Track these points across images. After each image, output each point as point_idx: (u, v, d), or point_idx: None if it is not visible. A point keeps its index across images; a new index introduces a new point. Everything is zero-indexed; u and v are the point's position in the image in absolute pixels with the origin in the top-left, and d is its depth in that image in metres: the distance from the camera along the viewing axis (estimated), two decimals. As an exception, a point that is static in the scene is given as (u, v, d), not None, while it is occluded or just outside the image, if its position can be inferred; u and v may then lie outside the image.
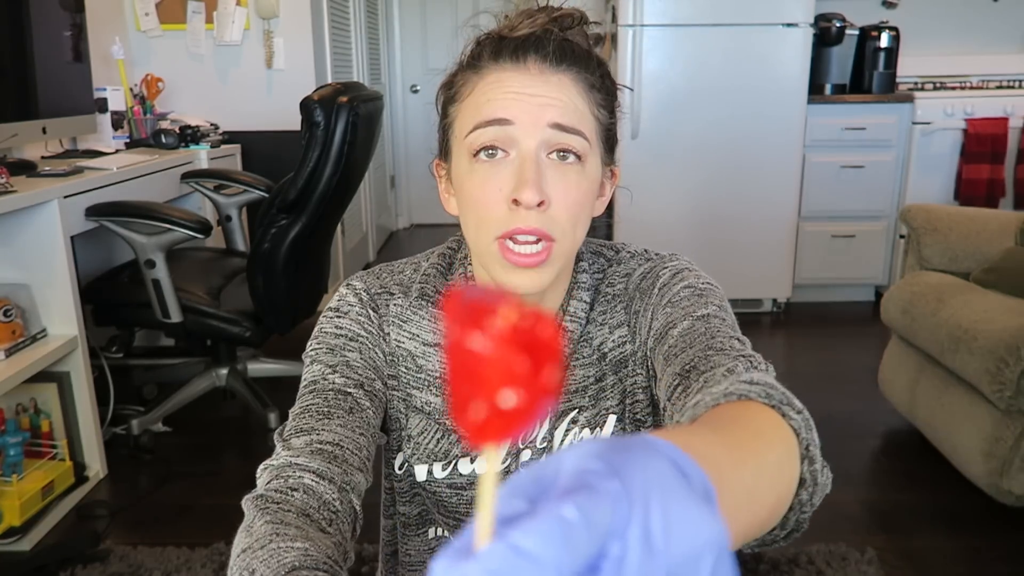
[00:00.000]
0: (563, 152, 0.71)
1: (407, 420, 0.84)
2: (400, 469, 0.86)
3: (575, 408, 0.82)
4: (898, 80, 3.97)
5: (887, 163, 3.71)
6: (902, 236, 3.50)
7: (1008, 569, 1.86)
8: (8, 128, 2.28)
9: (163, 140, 2.94)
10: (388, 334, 0.83)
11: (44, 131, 2.48)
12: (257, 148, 3.44)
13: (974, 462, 2.01)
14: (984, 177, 3.62)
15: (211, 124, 3.29)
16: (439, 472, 0.83)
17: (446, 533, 0.89)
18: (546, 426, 0.82)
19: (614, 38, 3.56)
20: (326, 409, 0.74)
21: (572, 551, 0.23)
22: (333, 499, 0.68)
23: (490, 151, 0.71)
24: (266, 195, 2.54)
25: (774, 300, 3.81)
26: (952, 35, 4.12)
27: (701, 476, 0.30)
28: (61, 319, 2.12)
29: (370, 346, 0.81)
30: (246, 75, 3.50)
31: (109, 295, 2.43)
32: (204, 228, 2.23)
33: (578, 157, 0.72)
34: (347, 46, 4.15)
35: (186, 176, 2.82)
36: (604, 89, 0.76)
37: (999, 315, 1.99)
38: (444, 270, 0.85)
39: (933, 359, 2.23)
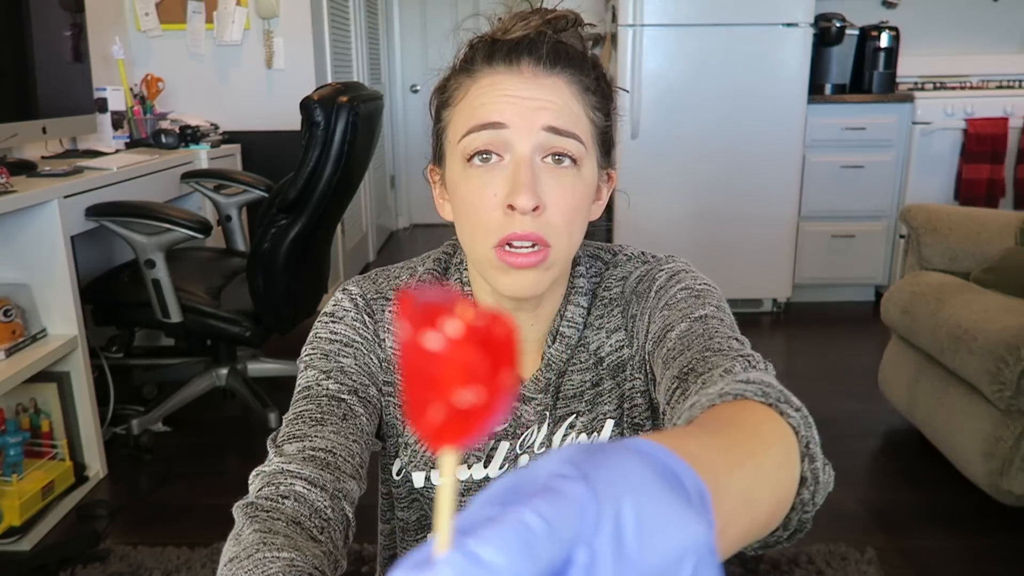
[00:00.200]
0: (558, 156, 0.70)
1: (404, 427, 0.83)
2: (398, 475, 0.86)
3: (572, 413, 0.81)
4: (898, 80, 3.97)
5: (887, 163, 3.71)
6: (902, 236, 3.50)
7: (1008, 569, 1.86)
8: (8, 128, 2.28)
9: (163, 140, 2.94)
10: (384, 340, 0.82)
11: (44, 131, 2.48)
12: (257, 148, 3.44)
13: (974, 462, 2.00)
14: (984, 177, 3.62)
15: (211, 124, 3.29)
16: (436, 479, 0.83)
17: None
18: (544, 431, 0.82)
19: (614, 38, 3.56)
20: (319, 415, 0.73)
21: (532, 559, 0.22)
22: (325, 507, 0.67)
23: (484, 156, 0.70)
24: (266, 195, 2.54)
25: (774, 300, 3.81)
26: (952, 35, 4.12)
27: (694, 479, 0.30)
28: (61, 319, 2.12)
29: (365, 352, 0.80)
30: (246, 75, 3.50)
31: (109, 295, 2.43)
32: (204, 228, 2.23)
33: (573, 161, 0.71)
34: (347, 46, 4.15)
35: (186, 176, 2.82)
36: (599, 91, 0.75)
37: (999, 315, 1.99)
38: (440, 275, 0.84)
39: (933, 359, 2.23)
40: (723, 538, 0.37)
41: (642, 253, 0.85)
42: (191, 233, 2.21)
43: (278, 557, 0.59)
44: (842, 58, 3.78)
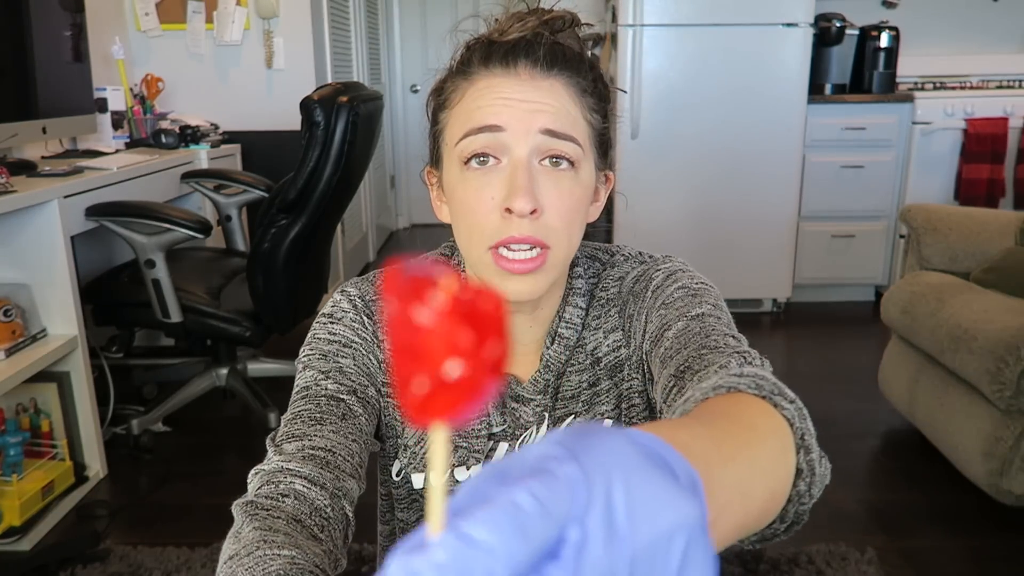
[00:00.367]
0: (555, 158, 0.70)
1: (403, 429, 0.83)
2: (398, 476, 0.86)
3: (571, 414, 0.81)
4: (898, 80, 3.97)
5: (887, 163, 3.71)
6: (902, 236, 3.50)
7: (1008, 569, 1.86)
8: (8, 128, 2.28)
9: (163, 140, 2.94)
10: (383, 341, 0.81)
11: (44, 131, 2.48)
12: (257, 148, 3.44)
13: (974, 462, 2.00)
14: (984, 177, 3.62)
15: (211, 124, 3.29)
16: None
17: None
18: (543, 432, 0.81)
19: (614, 38, 3.56)
20: (318, 415, 0.73)
21: (525, 539, 0.22)
22: (324, 505, 0.67)
23: (481, 158, 0.70)
24: (266, 195, 2.54)
25: (774, 300, 3.81)
26: (952, 35, 4.12)
27: (686, 467, 0.29)
28: (61, 319, 2.12)
29: (364, 352, 0.80)
30: (246, 75, 3.50)
31: (109, 295, 2.43)
32: (204, 228, 2.23)
33: (571, 163, 0.71)
34: (347, 46, 4.15)
35: (186, 176, 2.82)
36: (596, 93, 0.75)
37: (999, 315, 1.99)
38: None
39: (933, 359, 2.23)
40: (717, 529, 0.37)
41: (639, 253, 0.85)
42: (191, 233, 2.21)
43: (279, 554, 0.59)
44: (842, 58, 3.78)
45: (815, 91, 3.63)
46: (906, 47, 3.96)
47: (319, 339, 0.80)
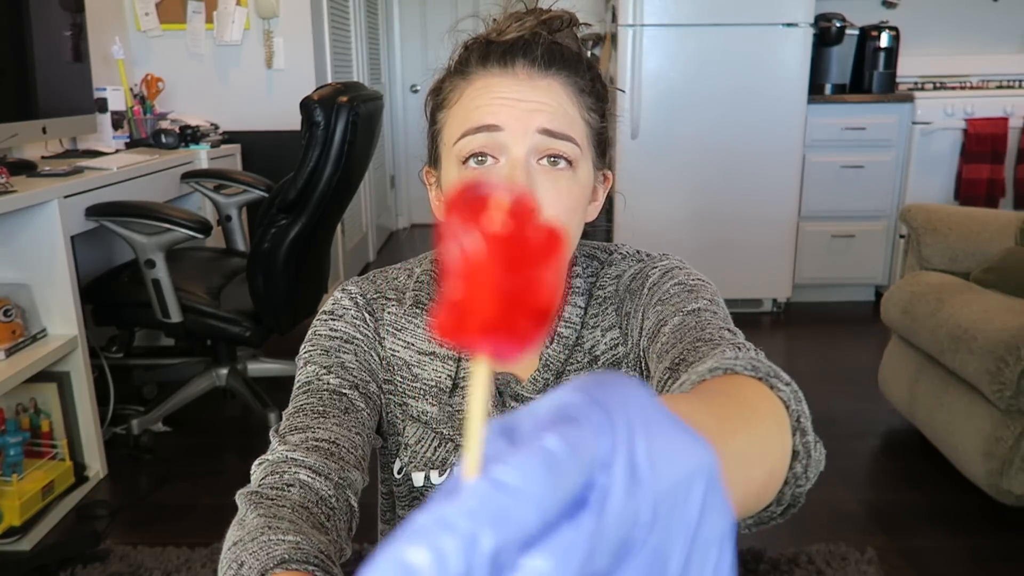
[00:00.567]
0: (553, 158, 0.71)
1: (404, 428, 0.83)
2: (399, 474, 0.86)
3: None
4: (898, 80, 3.97)
5: (887, 163, 3.71)
6: (902, 236, 3.50)
7: (1008, 569, 1.86)
8: (8, 128, 2.28)
9: (163, 140, 2.94)
10: (384, 339, 0.82)
11: (44, 131, 2.48)
12: (257, 148, 3.44)
13: (974, 462, 2.00)
14: (984, 177, 3.62)
15: (211, 124, 3.29)
16: (436, 479, 0.83)
17: None
18: None
19: (614, 38, 3.56)
20: (321, 408, 0.73)
21: (556, 484, 0.22)
22: (329, 495, 0.67)
23: (479, 158, 0.71)
24: (266, 195, 2.54)
25: (774, 300, 3.81)
26: (952, 35, 4.12)
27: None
28: (61, 319, 2.12)
29: (366, 349, 0.80)
30: (246, 75, 3.50)
31: (109, 295, 2.43)
32: (204, 228, 2.23)
33: (569, 163, 0.71)
34: (347, 46, 4.15)
35: (186, 176, 2.82)
36: (594, 93, 0.75)
37: (999, 315, 1.99)
38: (437, 276, 0.84)
39: (933, 359, 2.23)
40: None
41: (637, 252, 0.85)
42: (191, 233, 2.21)
43: (283, 540, 0.59)
44: (842, 58, 3.78)
45: (815, 91, 3.63)
46: (906, 47, 3.96)
47: (320, 335, 0.80)
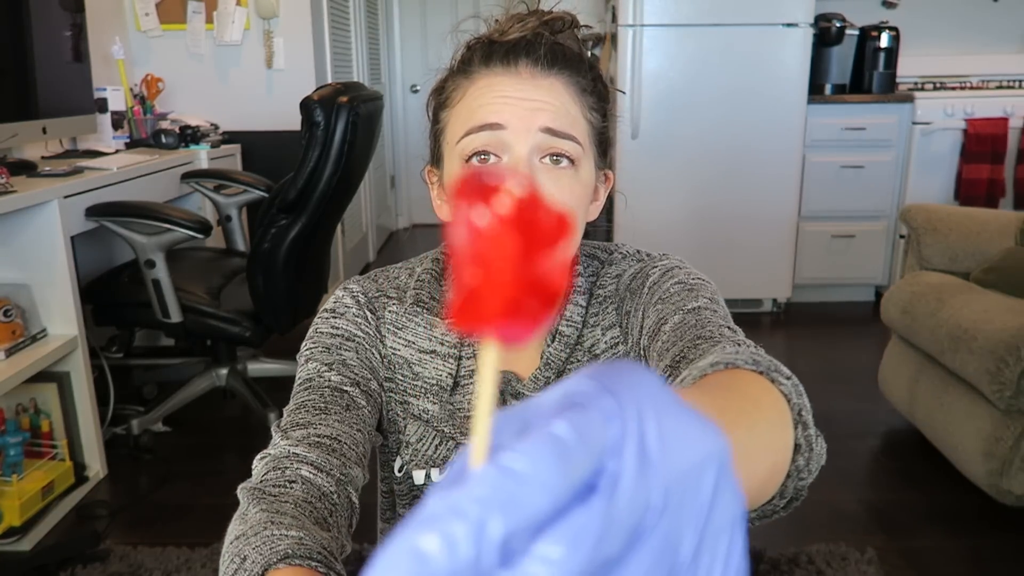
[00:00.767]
0: (556, 156, 0.71)
1: (405, 426, 0.84)
2: (400, 472, 0.86)
3: None
4: (898, 80, 3.97)
5: (887, 163, 3.71)
6: (902, 236, 3.50)
7: (1008, 569, 1.86)
8: (8, 128, 2.28)
9: (163, 140, 2.94)
10: (385, 337, 0.82)
11: (44, 131, 2.48)
12: (257, 148, 3.44)
13: (974, 462, 2.01)
14: (984, 177, 3.62)
15: (211, 124, 3.29)
16: (437, 477, 0.83)
17: None
18: None
19: (614, 38, 3.56)
20: (322, 405, 0.74)
21: (566, 470, 0.22)
22: (331, 491, 0.67)
23: (483, 157, 0.71)
24: (266, 195, 2.54)
25: (774, 300, 3.81)
26: (952, 35, 4.12)
27: None
28: (61, 319, 2.12)
29: (367, 347, 0.80)
30: (246, 75, 3.50)
31: (109, 295, 2.43)
32: (204, 228, 2.23)
33: (571, 161, 0.72)
34: (347, 46, 4.15)
35: (186, 176, 2.82)
36: (596, 92, 0.76)
37: (999, 315, 1.99)
38: (437, 275, 0.85)
39: (933, 359, 2.23)
40: None
41: (637, 251, 0.86)
42: (191, 233, 2.22)
43: (286, 535, 0.59)
44: (842, 58, 3.78)
45: (815, 91, 3.63)
46: (906, 47, 3.96)
47: (322, 333, 0.80)
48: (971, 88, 4.03)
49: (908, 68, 4.04)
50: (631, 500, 0.23)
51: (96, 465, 2.23)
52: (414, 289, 0.83)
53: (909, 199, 3.70)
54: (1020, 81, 4.09)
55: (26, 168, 2.29)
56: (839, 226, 3.78)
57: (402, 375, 0.83)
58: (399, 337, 0.82)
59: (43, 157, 2.70)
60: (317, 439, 0.70)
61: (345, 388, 0.76)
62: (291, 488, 0.66)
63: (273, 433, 0.73)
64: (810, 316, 3.78)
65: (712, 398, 0.46)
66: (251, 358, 2.73)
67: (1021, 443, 1.90)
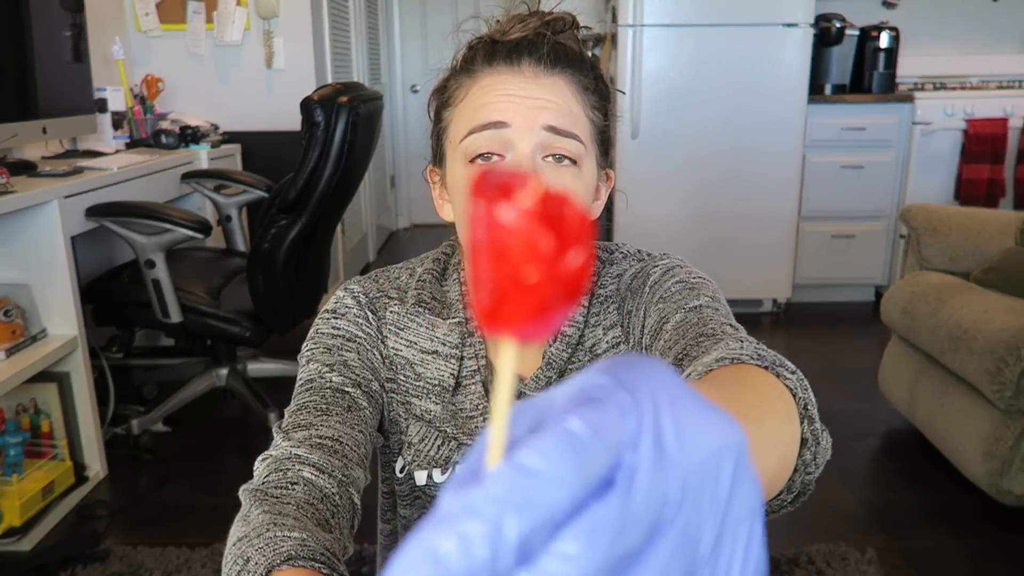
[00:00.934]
0: (558, 155, 0.71)
1: (407, 426, 0.84)
2: (402, 472, 0.86)
3: None
4: (898, 80, 3.97)
5: (887, 163, 3.71)
6: (902, 236, 3.50)
7: (1008, 569, 1.86)
8: (8, 128, 2.28)
9: (163, 140, 2.94)
10: (386, 338, 0.82)
11: (44, 131, 2.48)
12: (257, 148, 3.44)
13: (974, 462, 2.01)
14: (984, 177, 3.62)
15: (211, 124, 3.29)
16: (439, 477, 0.83)
17: None
18: None
19: (614, 38, 3.56)
20: (324, 406, 0.74)
21: (582, 466, 0.22)
22: (333, 493, 0.67)
23: (486, 156, 0.71)
24: (266, 195, 2.54)
25: (774, 300, 3.81)
26: (952, 35, 4.12)
27: None
28: (61, 319, 2.12)
29: (368, 347, 0.80)
30: (246, 75, 3.50)
31: (109, 295, 2.43)
32: (204, 228, 2.23)
33: (573, 160, 0.72)
34: (347, 46, 4.15)
35: (186, 176, 2.82)
36: (598, 92, 0.76)
37: (999, 315, 1.99)
38: (438, 276, 0.85)
39: (933, 359, 2.23)
40: None
41: (638, 251, 0.86)
42: (191, 233, 2.22)
43: (289, 536, 0.59)
44: (842, 58, 3.78)
45: (815, 91, 3.63)
46: (906, 47, 3.96)
47: (323, 334, 0.80)
48: (971, 88, 4.03)
49: (908, 68, 4.04)
50: (649, 494, 0.23)
51: (96, 465, 2.23)
52: (415, 289, 0.83)
53: (909, 199, 3.70)
54: (1020, 81, 4.09)
55: (26, 168, 2.29)
56: (839, 226, 3.78)
57: (404, 376, 0.82)
58: (401, 338, 0.82)
59: (43, 157, 2.70)
60: (319, 440, 0.70)
61: (346, 389, 0.76)
62: (293, 490, 0.66)
63: (274, 434, 0.72)
64: (810, 316, 3.78)
65: (719, 392, 0.46)
66: (251, 358, 2.73)
67: (1021, 443, 1.90)
